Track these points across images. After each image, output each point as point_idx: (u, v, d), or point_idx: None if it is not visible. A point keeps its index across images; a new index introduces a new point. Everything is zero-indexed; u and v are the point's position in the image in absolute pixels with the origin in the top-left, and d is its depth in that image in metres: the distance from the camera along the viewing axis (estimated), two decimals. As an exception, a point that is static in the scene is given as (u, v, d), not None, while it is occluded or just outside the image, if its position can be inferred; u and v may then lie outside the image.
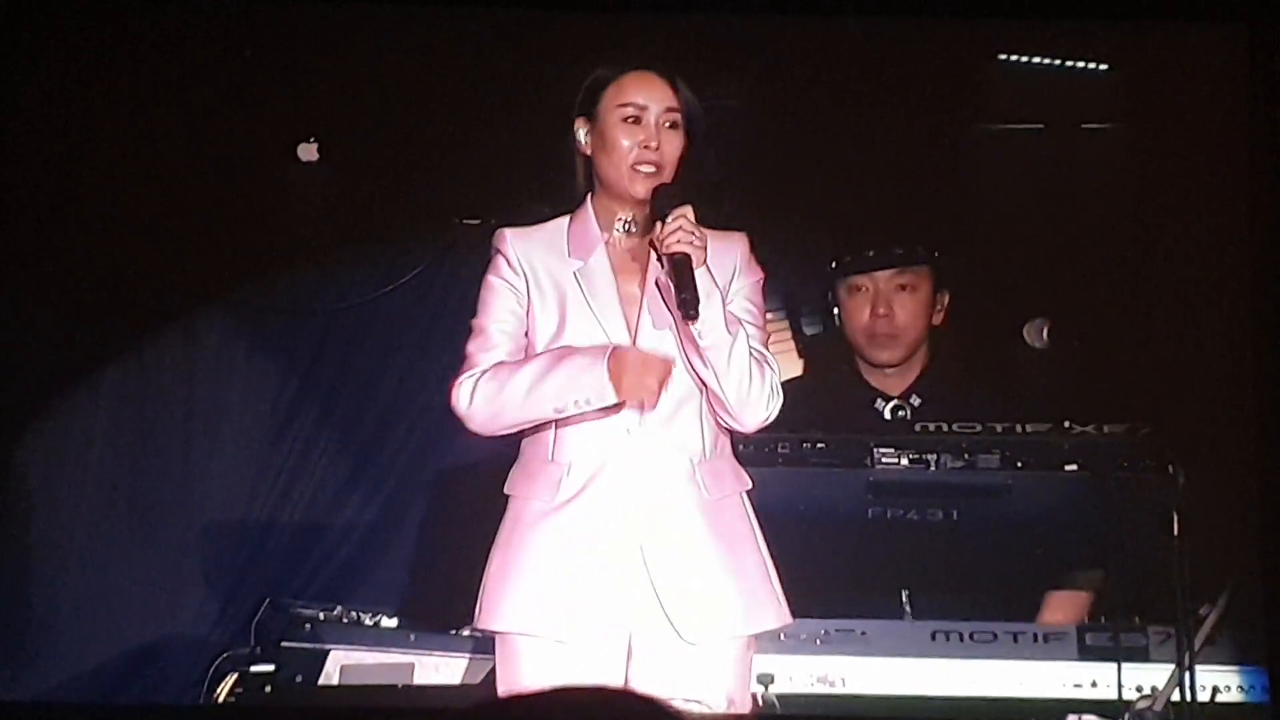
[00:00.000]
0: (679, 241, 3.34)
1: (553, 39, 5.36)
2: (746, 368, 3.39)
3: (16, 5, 5.39)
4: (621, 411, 3.39)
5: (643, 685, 3.36)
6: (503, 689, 3.41)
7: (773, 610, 3.50)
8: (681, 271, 3.35)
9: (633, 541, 3.39)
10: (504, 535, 3.47)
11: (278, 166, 5.80)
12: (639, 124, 3.43)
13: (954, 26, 5.62)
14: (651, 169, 3.42)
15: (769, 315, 3.94)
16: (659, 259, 3.41)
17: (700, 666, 3.41)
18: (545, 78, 5.22)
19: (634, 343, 3.42)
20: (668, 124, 3.44)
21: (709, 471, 3.45)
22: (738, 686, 3.47)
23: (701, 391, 3.44)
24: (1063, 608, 5.16)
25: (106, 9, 5.55)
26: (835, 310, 5.50)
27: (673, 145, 3.44)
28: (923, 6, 5.38)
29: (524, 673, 3.39)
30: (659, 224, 3.38)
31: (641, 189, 3.42)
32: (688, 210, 3.37)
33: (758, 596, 3.48)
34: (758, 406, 3.43)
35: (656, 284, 3.43)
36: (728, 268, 3.47)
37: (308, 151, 5.80)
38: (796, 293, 5.98)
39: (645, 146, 3.42)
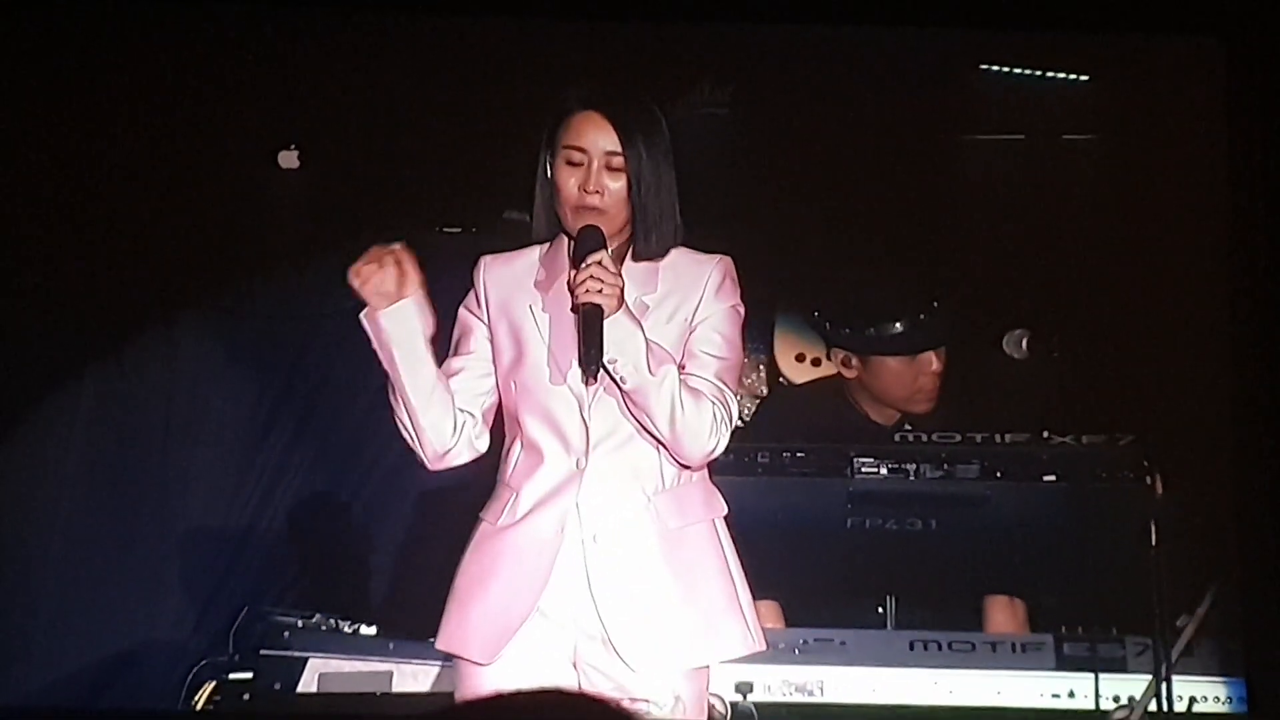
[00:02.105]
0: (587, 292, 3.25)
1: (535, 48, 5.36)
2: (672, 407, 3.29)
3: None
4: (571, 441, 3.36)
5: None
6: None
7: (737, 638, 3.40)
8: (589, 325, 3.24)
9: (576, 567, 3.35)
10: (464, 555, 3.46)
11: (258, 173, 5.80)
12: (580, 167, 3.37)
13: (936, 37, 5.63)
14: (590, 212, 3.37)
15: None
16: (571, 308, 3.32)
17: (650, 687, 3.37)
18: (527, 87, 5.23)
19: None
20: (609, 166, 3.38)
21: (668, 500, 3.36)
22: (691, 700, 3.41)
23: None
24: (1002, 612, 5.18)
25: (86, 17, 5.54)
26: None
27: (614, 188, 3.37)
28: (905, 17, 5.39)
29: (470, 693, 3.38)
30: (574, 271, 3.29)
31: None
32: (602, 255, 3.27)
33: (716, 625, 3.37)
34: (694, 442, 3.33)
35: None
36: (694, 292, 3.39)
37: (288, 158, 5.80)
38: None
39: (584, 190, 3.37)
